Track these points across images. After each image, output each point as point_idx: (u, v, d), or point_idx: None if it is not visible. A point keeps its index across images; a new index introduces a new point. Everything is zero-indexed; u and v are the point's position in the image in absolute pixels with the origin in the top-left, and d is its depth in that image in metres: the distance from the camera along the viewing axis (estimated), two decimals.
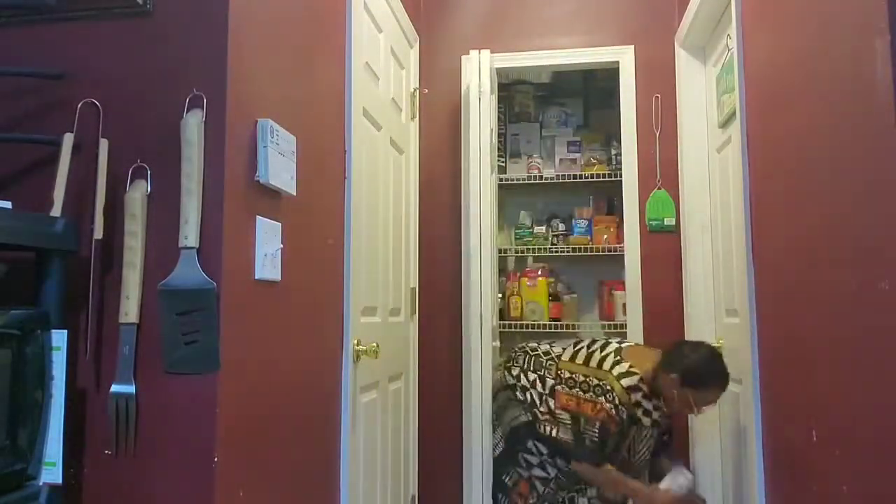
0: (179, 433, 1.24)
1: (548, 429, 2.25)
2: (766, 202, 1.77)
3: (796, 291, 1.55)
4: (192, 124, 1.25)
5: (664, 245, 2.78)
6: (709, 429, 2.60)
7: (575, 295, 3.43)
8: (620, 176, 2.89)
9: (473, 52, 2.66)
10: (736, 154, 2.11)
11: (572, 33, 2.93)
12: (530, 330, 3.29)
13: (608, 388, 2.15)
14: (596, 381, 2.18)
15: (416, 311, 2.82)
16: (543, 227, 3.46)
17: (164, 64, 1.32)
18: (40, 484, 1.12)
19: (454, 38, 2.98)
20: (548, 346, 2.37)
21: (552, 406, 2.25)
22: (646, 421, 2.17)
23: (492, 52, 2.75)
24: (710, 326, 2.63)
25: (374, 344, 2.04)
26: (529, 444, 2.30)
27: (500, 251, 3.31)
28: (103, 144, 1.28)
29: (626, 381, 2.14)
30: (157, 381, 1.25)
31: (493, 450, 2.42)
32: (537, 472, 2.30)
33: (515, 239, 3.49)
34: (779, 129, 1.66)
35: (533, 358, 2.35)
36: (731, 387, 2.34)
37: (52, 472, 1.13)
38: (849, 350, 1.29)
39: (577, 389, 2.20)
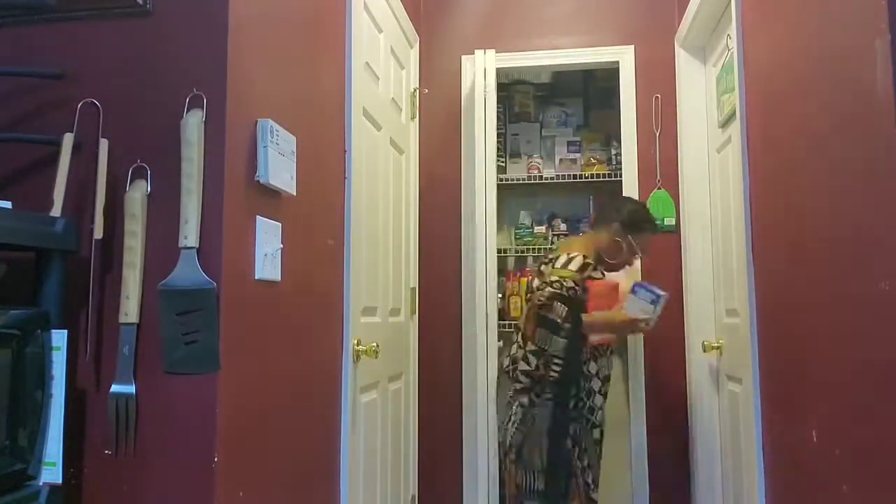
0: (179, 433, 1.24)
1: (527, 362, 2.22)
2: (766, 202, 1.77)
3: (796, 291, 1.55)
4: (192, 124, 1.25)
5: (664, 245, 2.77)
6: (709, 429, 2.60)
7: None
8: (620, 176, 2.89)
9: (478, 52, 2.66)
10: (736, 154, 2.11)
11: (572, 33, 2.93)
12: None
13: (562, 283, 2.17)
14: (555, 278, 2.20)
15: (416, 311, 2.82)
16: (543, 227, 3.45)
17: (164, 64, 1.32)
18: (40, 484, 1.12)
19: (454, 38, 2.98)
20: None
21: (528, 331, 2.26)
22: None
23: (494, 52, 2.76)
24: (710, 326, 2.63)
25: (374, 344, 2.04)
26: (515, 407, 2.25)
27: (500, 251, 3.31)
28: (103, 144, 1.28)
29: (573, 266, 2.20)
30: (157, 381, 1.25)
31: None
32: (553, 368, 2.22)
33: (515, 239, 3.48)
34: (779, 129, 1.66)
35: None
36: (731, 387, 2.34)
37: (52, 472, 1.13)
38: (849, 350, 1.29)
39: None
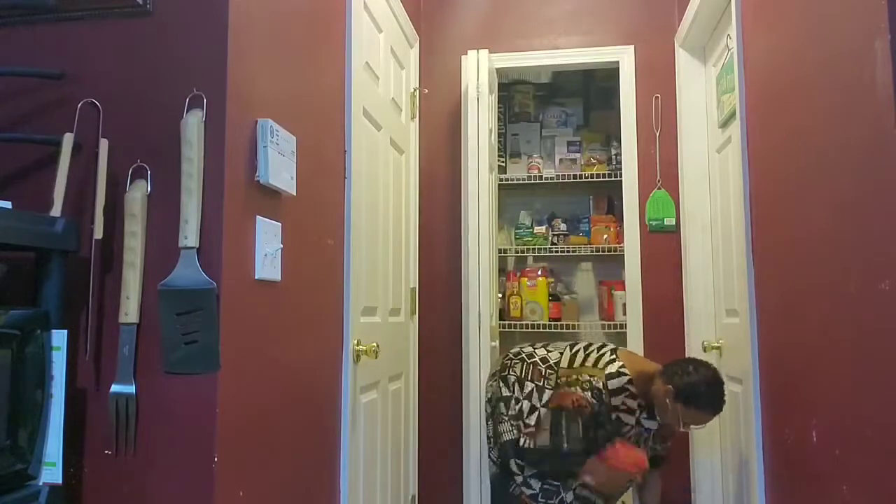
0: (179, 433, 1.24)
1: (527, 442, 2.19)
2: (766, 202, 1.77)
3: (796, 291, 1.55)
4: (193, 124, 1.25)
5: (664, 245, 2.78)
6: (709, 429, 2.59)
7: (575, 295, 3.43)
8: (620, 176, 2.89)
9: (472, 52, 2.66)
10: (736, 154, 2.11)
11: (572, 33, 2.93)
12: (530, 330, 3.29)
13: (598, 384, 2.12)
14: (586, 377, 2.15)
15: (416, 311, 2.82)
16: (543, 228, 3.45)
17: (164, 64, 1.32)
18: (40, 484, 1.12)
19: (454, 38, 2.98)
20: (544, 352, 2.29)
21: (542, 419, 2.20)
22: (627, 419, 2.15)
23: (492, 52, 2.76)
24: (710, 326, 2.63)
25: (374, 344, 2.04)
26: (512, 464, 2.23)
27: (500, 251, 3.31)
28: (103, 144, 1.28)
29: (612, 381, 2.13)
30: (157, 381, 1.25)
31: (490, 466, 2.37)
32: (525, 490, 2.26)
33: (515, 239, 3.49)
34: (779, 129, 1.66)
35: (530, 366, 2.26)
36: (731, 387, 2.34)
37: (52, 472, 1.13)
38: (849, 350, 1.29)
39: (570, 388, 2.18)
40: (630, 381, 2.13)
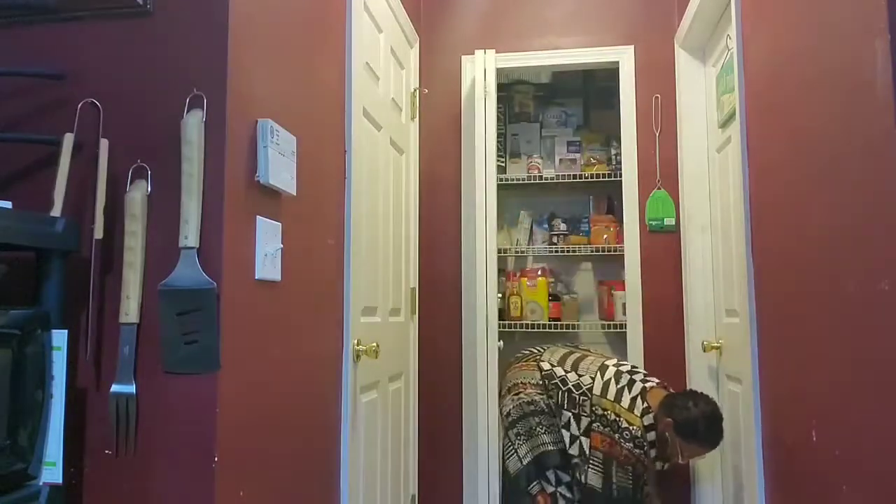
0: (179, 433, 1.24)
1: (578, 474, 2.27)
2: (766, 202, 1.77)
3: (796, 291, 1.55)
4: (193, 124, 1.25)
5: (664, 245, 2.78)
6: None
7: (575, 295, 3.43)
8: (620, 176, 2.89)
9: (478, 52, 2.66)
10: (736, 154, 2.11)
11: (572, 33, 2.93)
12: (530, 330, 3.29)
13: (637, 433, 2.17)
14: (626, 424, 2.19)
15: (416, 311, 2.82)
16: (544, 228, 3.46)
17: (164, 64, 1.32)
18: (40, 484, 1.12)
19: (454, 38, 2.98)
20: (576, 377, 2.32)
21: (585, 448, 2.25)
22: (657, 456, 2.24)
23: (495, 52, 2.75)
24: (710, 326, 2.63)
25: (374, 344, 2.04)
26: (550, 473, 2.31)
27: (500, 251, 3.31)
28: (103, 144, 1.28)
29: (650, 434, 2.19)
30: (157, 381, 1.25)
31: (509, 463, 2.40)
32: (563, 489, 2.31)
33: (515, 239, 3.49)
34: (779, 129, 1.66)
35: (566, 394, 2.32)
36: (731, 387, 2.34)
37: (52, 472, 1.13)
38: (849, 350, 1.29)
39: (609, 429, 2.22)
40: (656, 433, 2.20)
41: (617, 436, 2.19)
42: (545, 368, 2.39)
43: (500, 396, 2.47)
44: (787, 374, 1.63)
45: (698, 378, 2.63)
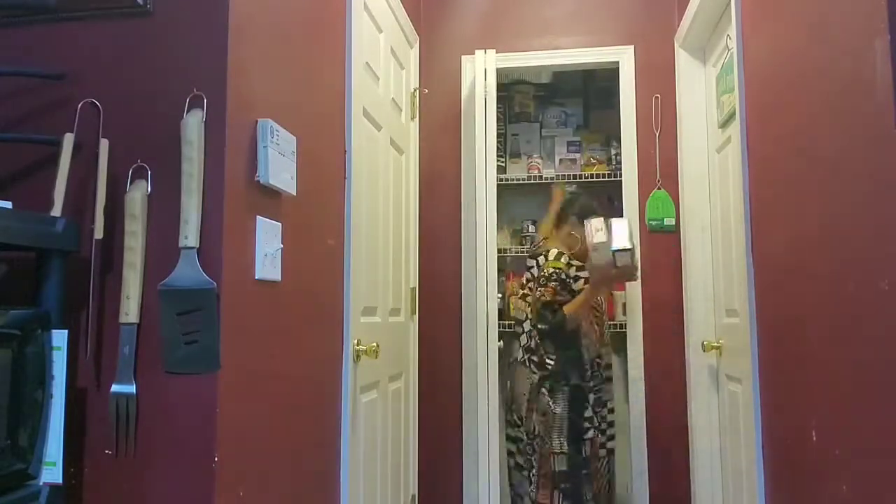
0: (179, 433, 1.24)
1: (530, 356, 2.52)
2: (766, 202, 1.77)
3: (796, 291, 1.55)
4: (193, 124, 1.25)
5: (664, 245, 2.78)
6: (709, 429, 2.60)
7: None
8: (620, 176, 2.89)
9: (478, 52, 2.66)
10: (736, 154, 2.11)
11: (572, 33, 2.93)
12: None
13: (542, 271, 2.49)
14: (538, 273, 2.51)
15: (416, 311, 2.82)
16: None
17: (164, 64, 1.32)
18: (40, 484, 1.12)
19: (454, 38, 2.98)
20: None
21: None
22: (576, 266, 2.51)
23: (495, 52, 2.75)
24: (710, 326, 2.63)
25: (374, 344, 2.04)
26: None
27: (500, 251, 3.31)
28: (103, 144, 1.28)
29: (552, 255, 2.50)
30: (157, 381, 1.25)
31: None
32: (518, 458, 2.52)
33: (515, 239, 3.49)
34: (779, 129, 1.66)
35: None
36: (731, 387, 2.34)
37: (52, 472, 1.13)
38: (849, 350, 1.29)
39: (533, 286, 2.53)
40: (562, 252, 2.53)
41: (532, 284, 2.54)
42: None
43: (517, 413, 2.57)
44: (787, 374, 1.63)
45: (698, 378, 2.63)
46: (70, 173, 1.25)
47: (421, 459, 2.77)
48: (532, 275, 2.57)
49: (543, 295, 2.44)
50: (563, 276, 2.46)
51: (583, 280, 2.47)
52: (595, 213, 2.46)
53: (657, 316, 2.77)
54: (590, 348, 2.47)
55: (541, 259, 2.55)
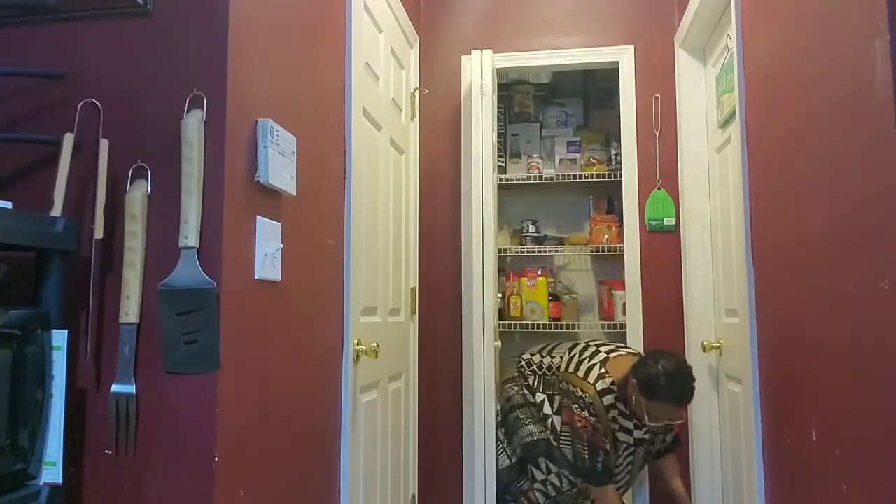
0: (179, 433, 1.24)
1: (560, 449, 2.28)
2: (765, 202, 1.77)
3: (796, 291, 1.55)
4: (193, 124, 1.25)
5: (664, 245, 2.78)
6: (709, 429, 2.60)
7: (575, 295, 3.43)
8: (620, 176, 2.89)
9: (475, 52, 2.66)
10: (736, 154, 2.11)
11: (572, 33, 2.93)
12: (530, 330, 3.29)
13: (589, 400, 2.15)
14: (580, 393, 2.17)
15: (416, 311, 2.82)
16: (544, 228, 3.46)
17: (164, 64, 1.32)
18: (40, 484, 1.12)
19: (454, 38, 2.98)
20: (549, 359, 2.35)
21: (557, 425, 2.24)
22: (624, 437, 2.18)
23: (492, 52, 2.75)
24: (710, 326, 2.63)
25: (374, 344, 2.04)
26: (541, 461, 2.31)
27: (500, 251, 3.31)
28: (103, 144, 1.28)
29: (605, 398, 2.16)
30: (157, 381, 1.25)
31: (499, 461, 2.41)
32: (539, 486, 2.31)
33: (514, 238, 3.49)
34: (779, 129, 1.66)
35: (540, 378, 2.33)
36: (731, 387, 2.34)
37: (52, 472, 1.13)
38: (849, 350, 1.29)
39: (569, 401, 2.21)
40: (617, 397, 2.15)
41: (574, 406, 2.16)
42: (524, 359, 2.40)
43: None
44: (787, 374, 1.63)
45: (698, 378, 2.63)
46: (70, 173, 1.25)
47: (421, 459, 2.77)
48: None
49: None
50: (598, 415, 2.17)
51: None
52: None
53: (657, 316, 2.77)
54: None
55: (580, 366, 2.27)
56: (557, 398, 2.26)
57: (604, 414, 2.13)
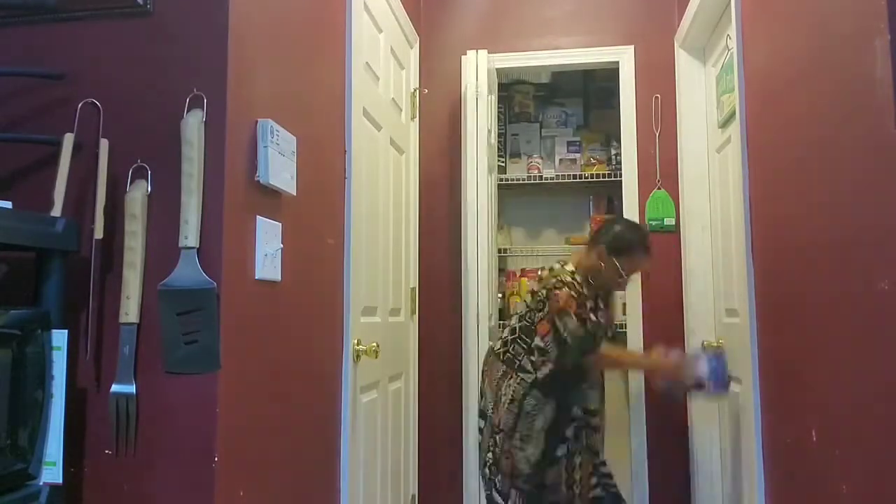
0: (179, 433, 1.24)
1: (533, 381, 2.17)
2: (765, 202, 1.77)
3: (796, 291, 1.55)
4: (193, 124, 1.25)
5: (664, 245, 2.77)
6: (709, 428, 2.60)
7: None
8: (620, 176, 2.89)
9: (471, 53, 2.66)
10: (736, 154, 2.11)
11: (572, 33, 2.93)
12: None
13: (564, 277, 2.15)
14: (553, 280, 2.15)
15: (416, 311, 2.82)
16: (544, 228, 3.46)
17: (164, 64, 1.32)
18: (40, 484, 1.12)
19: (454, 38, 2.98)
20: (515, 321, 2.26)
21: (534, 344, 2.17)
22: (598, 316, 2.20)
23: (491, 52, 2.75)
24: (710, 326, 2.63)
25: (374, 344, 2.04)
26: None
27: (500, 251, 3.31)
28: (103, 144, 1.28)
29: (566, 269, 2.19)
30: (157, 381, 1.25)
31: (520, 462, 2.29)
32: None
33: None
34: (778, 129, 1.66)
35: (496, 356, 2.25)
36: (731, 386, 2.34)
37: (52, 472, 1.13)
38: (848, 350, 1.29)
39: (539, 303, 2.17)
40: (580, 281, 2.17)
41: (545, 292, 2.15)
42: (495, 349, 2.30)
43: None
44: (787, 374, 1.63)
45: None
46: (70, 173, 1.25)
47: (421, 459, 2.77)
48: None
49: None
50: (578, 288, 2.17)
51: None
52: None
53: (657, 316, 2.77)
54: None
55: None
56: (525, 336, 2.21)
57: (578, 286, 2.15)
